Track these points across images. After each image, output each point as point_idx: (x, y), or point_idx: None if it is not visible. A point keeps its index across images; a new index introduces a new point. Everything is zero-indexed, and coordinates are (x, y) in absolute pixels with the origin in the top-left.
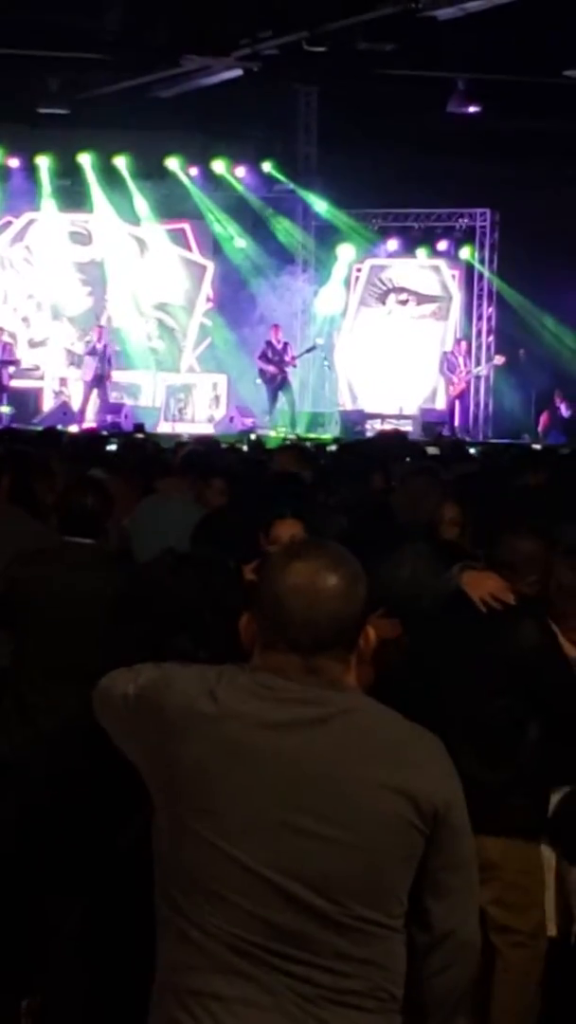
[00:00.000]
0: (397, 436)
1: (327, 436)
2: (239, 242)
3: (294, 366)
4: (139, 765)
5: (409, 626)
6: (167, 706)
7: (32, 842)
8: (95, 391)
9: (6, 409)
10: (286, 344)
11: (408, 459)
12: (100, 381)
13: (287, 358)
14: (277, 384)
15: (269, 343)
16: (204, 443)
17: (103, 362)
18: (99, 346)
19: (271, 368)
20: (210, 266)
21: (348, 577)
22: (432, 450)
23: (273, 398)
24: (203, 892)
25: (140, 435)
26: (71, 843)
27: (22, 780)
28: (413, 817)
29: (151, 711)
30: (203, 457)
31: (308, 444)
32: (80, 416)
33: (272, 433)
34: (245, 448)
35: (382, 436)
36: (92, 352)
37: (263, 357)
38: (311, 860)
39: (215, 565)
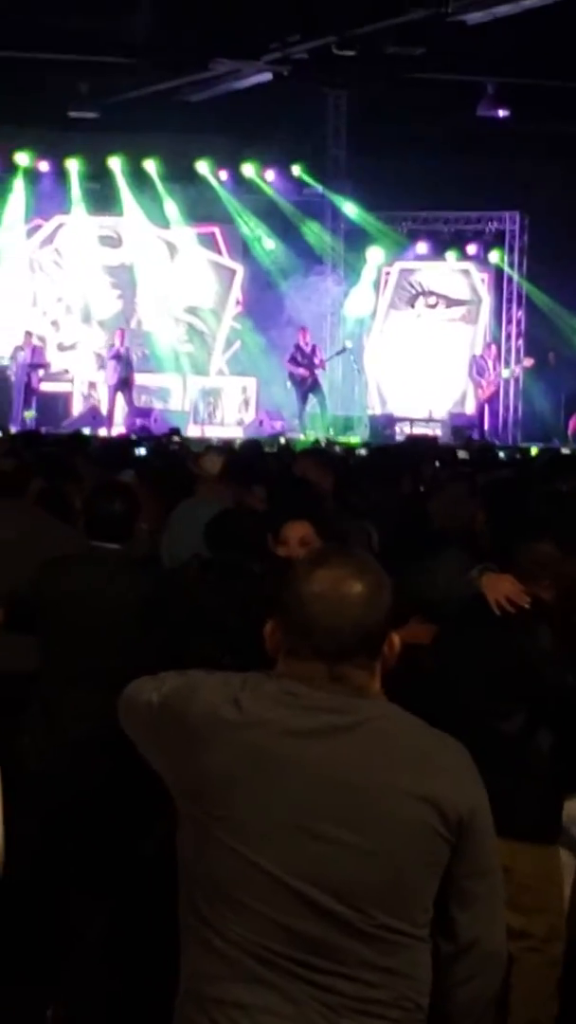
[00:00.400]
0: (427, 440)
1: (356, 440)
2: (268, 245)
3: (323, 369)
4: (163, 773)
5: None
6: (191, 714)
7: (57, 848)
8: (120, 395)
9: (31, 414)
10: (315, 347)
11: (437, 463)
12: (125, 385)
13: (316, 361)
14: (307, 387)
15: (298, 346)
16: (246, 448)
17: (126, 365)
18: (121, 349)
19: (301, 371)
20: (239, 269)
21: (373, 584)
22: (461, 454)
23: (303, 401)
24: (226, 900)
25: (176, 439)
26: (96, 849)
27: (48, 786)
28: (438, 824)
29: (175, 719)
30: (244, 463)
31: (337, 448)
32: (108, 420)
33: (301, 437)
34: (275, 451)
35: (412, 440)
36: (115, 356)
37: (292, 360)
38: (334, 867)
39: (241, 571)
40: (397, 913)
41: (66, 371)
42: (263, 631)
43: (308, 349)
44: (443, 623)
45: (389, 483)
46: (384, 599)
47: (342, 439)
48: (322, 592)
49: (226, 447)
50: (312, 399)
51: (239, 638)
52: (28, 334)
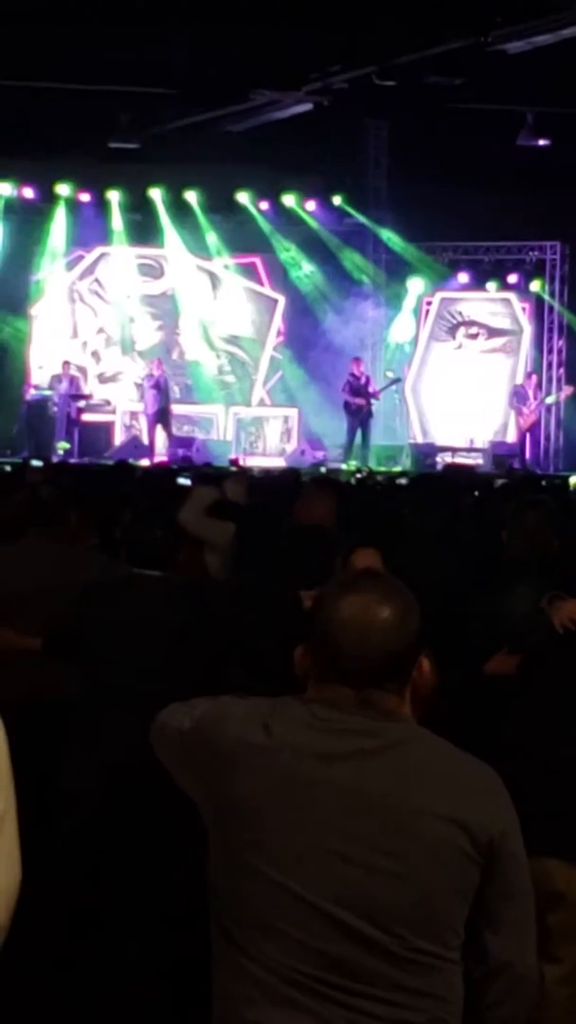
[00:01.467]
0: (464, 470)
1: (397, 469)
2: (306, 268)
3: (377, 399)
4: (195, 797)
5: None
6: (221, 739)
7: (90, 871)
8: (159, 425)
9: (65, 445)
10: (368, 377)
11: (476, 492)
12: (164, 415)
13: (370, 391)
14: (362, 417)
15: (353, 375)
16: (284, 476)
17: (164, 395)
18: (161, 379)
19: (358, 400)
20: (281, 300)
21: (400, 610)
22: (500, 482)
23: (353, 431)
24: (258, 924)
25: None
26: (129, 874)
27: (80, 804)
28: (468, 847)
29: (206, 744)
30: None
31: (379, 478)
32: (150, 450)
33: (343, 467)
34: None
35: (449, 469)
36: (155, 386)
37: (349, 390)
38: (366, 891)
39: (274, 595)
40: (429, 935)
41: (107, 402)
42: (293, 656)
43: (363, 380)
44: (525, 653)
45: (430, 511)
46: (412, 624)
47: (383, 469)
48: (350, 617)
49: (246, 474)
50: (359, 429)
51: (270, 663)
52: (66, 364)
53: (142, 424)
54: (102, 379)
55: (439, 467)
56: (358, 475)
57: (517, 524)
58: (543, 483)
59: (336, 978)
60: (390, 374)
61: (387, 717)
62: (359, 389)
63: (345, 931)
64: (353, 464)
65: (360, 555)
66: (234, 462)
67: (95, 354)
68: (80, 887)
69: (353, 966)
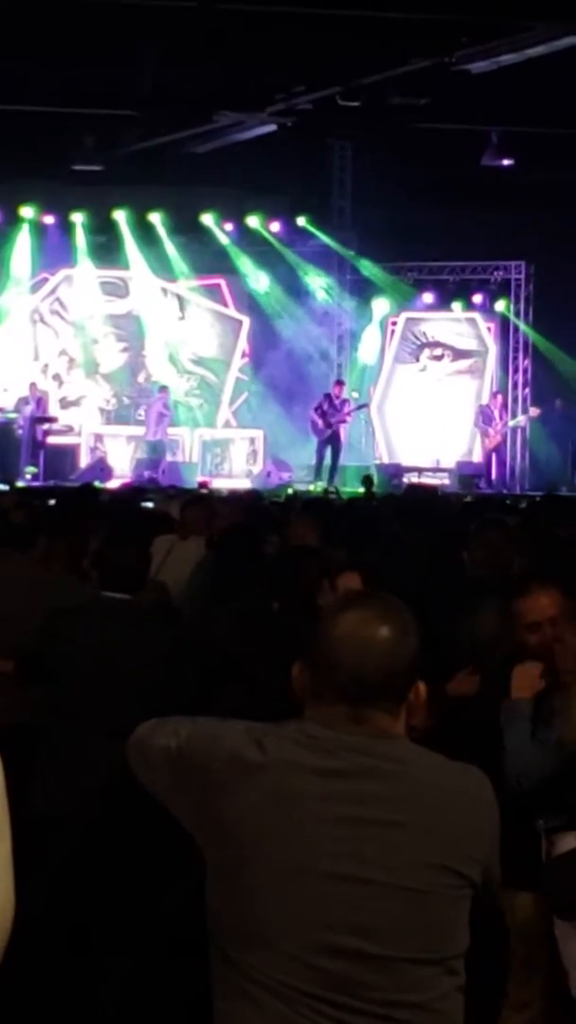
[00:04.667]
0: (426, 489)
1: (362, 490)
2: (274, 295)
3: (345, 423)
4: (184, 819)
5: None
6: (214, 758)
7: (72, 900)
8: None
9: (33, 469)
10: (345, 401)
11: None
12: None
13: (344, 413)
14: (330, 439)
15: (328, 396)
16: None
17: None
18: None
19: (321, 423)
20: (246, 321)
21: (398, 629)
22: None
23: (322, 452)
24: (255, 943)
25: (204, 491)
26: (114, 901)
27: (60, 836)
28: (463, 863)
29: (196, 765)
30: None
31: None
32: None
33: (311, 488)
34: (281, 501)
35: (412, 488)
36: (161, 413)
37: (318, 410)
38: (362, 907)
39: (264, 616)
40: (426, 948)
41: (70, 428)
42: (288, 676)
43: (339, 403)
44: (488, 673)
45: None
46: (410, 644)
47: (348, 489)
48: (346, 635)
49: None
50: (328, 451)
51: (263, 684)
52: (33, 385)
53: (108, 446)
54: (64, 403)
55: (403, 488)
56: (331, 495)
57: (479, 543)
58: (507, 502)
59: (334, 995)
60: (355, 395)
61: (382, 735)
62: (328, 411)
63: (343, 948)
64: (320, 485)
65: (344, 578)
66: (203, 484)
67: (56, 377)
68: (67, 913)
69: (351, 982)
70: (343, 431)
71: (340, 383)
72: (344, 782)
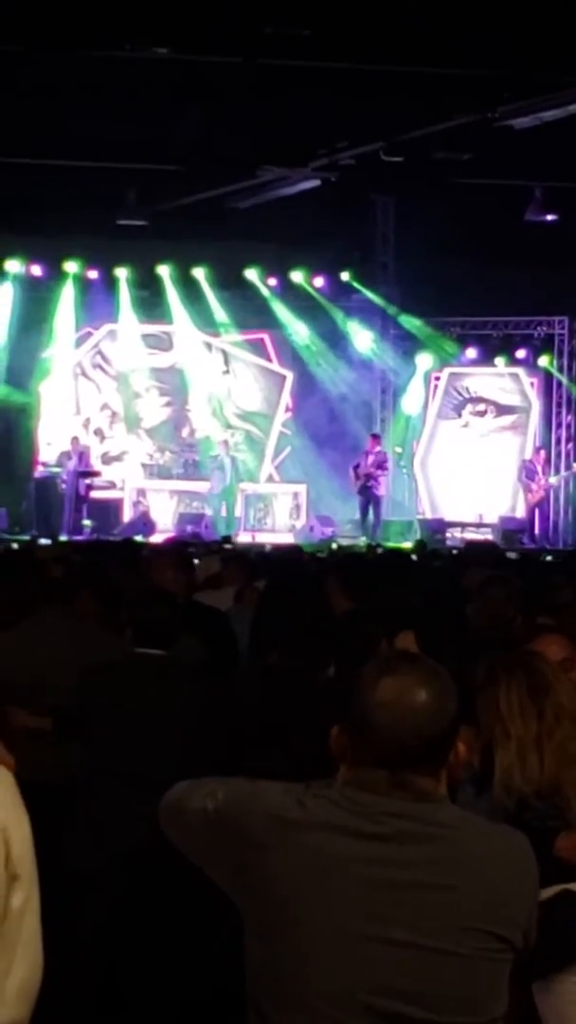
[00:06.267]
0: (485, 546)
1: (407, 545)
2: (317, 350)
3: (372, 477)
4: (222, 880)
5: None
6: (254, 818)
7: (105, 958)
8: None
9: (88, 523)
10: (378, 455)
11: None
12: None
13: (372, 470)
14: (368, 494)
15: (366, 453)
16: (287, 552)
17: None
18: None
19: (354, 477)
20: (289, 376)
21: (439, 693)
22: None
23: (365, 507)
24: (293, 1004)
25: (229, 546)
26: (147, 960)
27: (93, 894)
28: (503, 930)
29: (235, 827)
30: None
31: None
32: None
33: (358, 543)
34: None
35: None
36: (220, 467)
37: (355, 467)
38: (404, 970)
39: (302, 678)
40: (468, 1011)
41: (112, 483)
42: (327, 740)
43: (370, 459)
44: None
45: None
46: (450, 708)
47: (391, 544)
48: (387, 700)
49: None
50: (369, 505)
51: (300, 746)
52: (75, 440)
53: (150, 501)
54: (105, 459)
55: (448, 543)
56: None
57: (482, 598)
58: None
59: None
60: (398, 450)
61: (423, 799)
62: (363, 467)
63: (384, 1012)
64: (363, 540)
65: (401, 638)
66: (226, 539)
67: (98, 432)
68: (100, 971)
69: None
70: (384, 484)
71: (375, 437)
72: (387, 846)
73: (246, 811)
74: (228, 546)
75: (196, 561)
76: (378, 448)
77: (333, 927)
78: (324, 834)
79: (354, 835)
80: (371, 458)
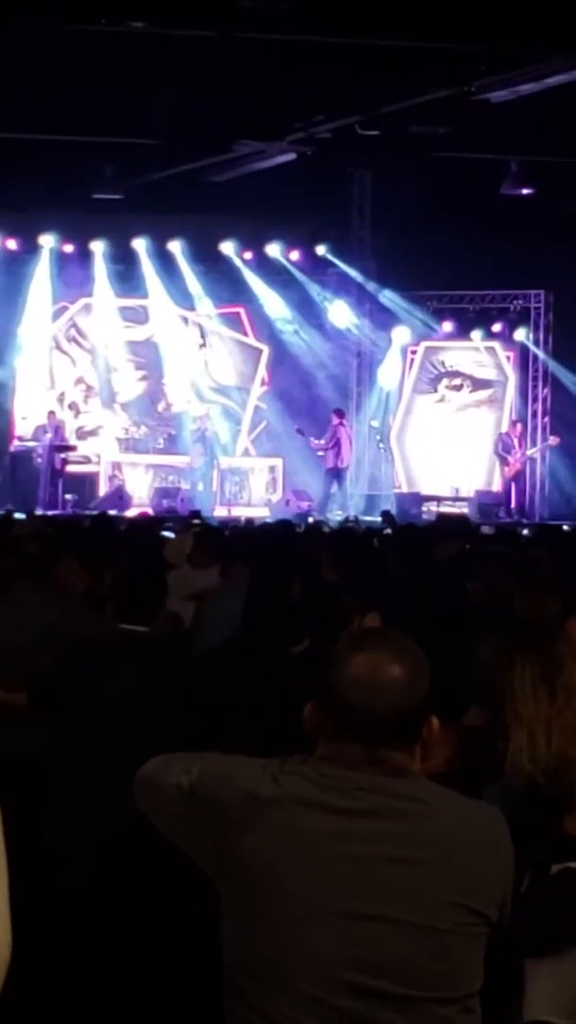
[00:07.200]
0: (454, 519)
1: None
2: (293, 323)
3: (325, 450)
4: (198, 856)
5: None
6: (229, 795)
7: (90, 932)
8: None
9: (69, 496)
10: (336, 428)
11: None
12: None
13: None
14: (332, 469)
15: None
16: (274, 528)
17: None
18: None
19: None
20: (265, 350)
21: (410, 668)
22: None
23: (327, 483)
24: (271, 980)
25: (197, 521)
26: (123, 934)
27: (74, 870)
28: (479, 904)
29: (211, 800)
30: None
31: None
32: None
33: (328, 516)
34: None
35: (441, 519)
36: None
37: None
38: (380, 944)
39: (277, 655)
40: (445, 986)
41: (87, 458)
42: (301, 716)
43: (331, 431)
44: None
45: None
46: (422, 682)
47: (367, 518)
48: (359, 676)
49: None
50: (334, 481)
51: (275, 723)
52: (51, 414)
53: (126, 475)
54: (80, 433)
55: (424, 517)
56: (350, 523)
57: (483, 575)
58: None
59: None
60: (374, 423)
61: (397, 774)
62: (329, 441)
63: (359, 986)
64: (338, 514)
65: (368, 618)
66: (195, 513)
67: (73, 406)
68: (79, 950)
69: (369, 1021)
70: (345, 457)
71: (336, 412)
72: (361, 821)
73: (221, 787)
74: (196, 521)
75: (171, 535)
76: (336, 422)
77: (310, 903)
78: (299, 810)
79: (329, 810)
80: (330, 433)
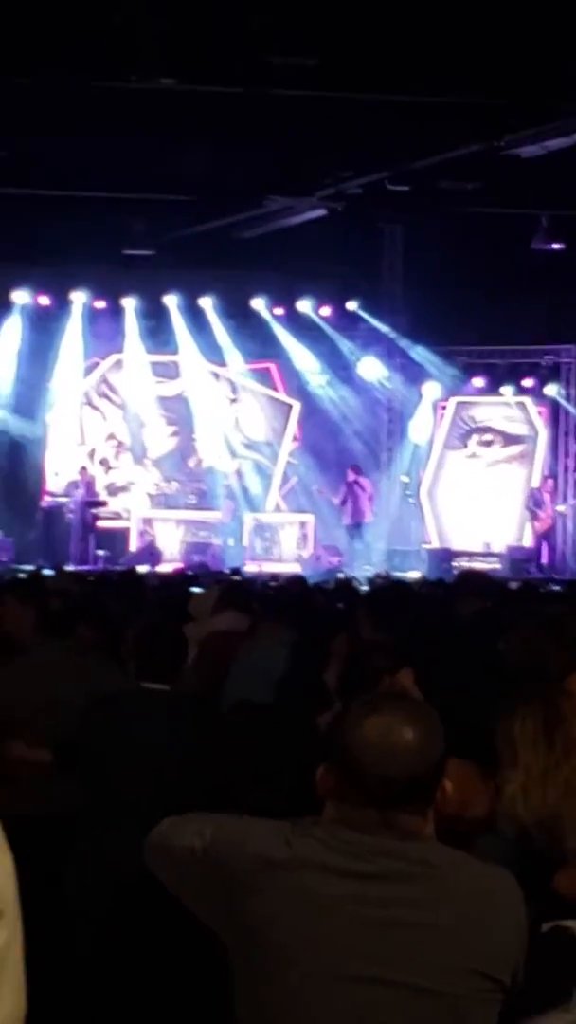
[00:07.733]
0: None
1: (414, 574)
2: (324, 379)
3: (344, 503)
4: (209, 919)
5: None
6: (241, 858)
7: (104, 990)
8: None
9: (101, 552)
10: (352, 484)
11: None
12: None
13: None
14: (350, 525)
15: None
16: (291, 583)
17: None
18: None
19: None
20: (296, 405)
21: (424, 732)
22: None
23: (350, 538)
24: None
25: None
26: (144, 991)
27: (93, 927)
28: (492, 970)
29: (223, 864)
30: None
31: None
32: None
33: (365, 573)
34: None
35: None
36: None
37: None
38: (395, 1011)
39: (293, 717)
40: None
41: (118, 514)
42: (315, 777)
43: (349, 488)
44: None
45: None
46: (436, 746)
47: (399, 574)
48: (373, 739)
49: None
50: (355, 536)
51: (290, 785)
52: (83, 469)
53: (157, 531)
54: (111, 489)
55: (455, 572)
56: (380, 581)
57: (515, 633)
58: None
59: None
60: (405, 479)
61: (409, 838)
62: (349, 496)
63: None
64: (368, 569)
65: (401, 675)
66: (235, 571)
67: (104, 462)
68: (93, 1006)
69: None
70: (364, 512)
71: (352, 468)
72: (374, 885)
73: (233, 851)
74: (236, 577)
75: (198, 590)
76: (352, 478)
77: (322, 968)
78: (311, 873)
79: (341, 874)
80: (343, 489)
